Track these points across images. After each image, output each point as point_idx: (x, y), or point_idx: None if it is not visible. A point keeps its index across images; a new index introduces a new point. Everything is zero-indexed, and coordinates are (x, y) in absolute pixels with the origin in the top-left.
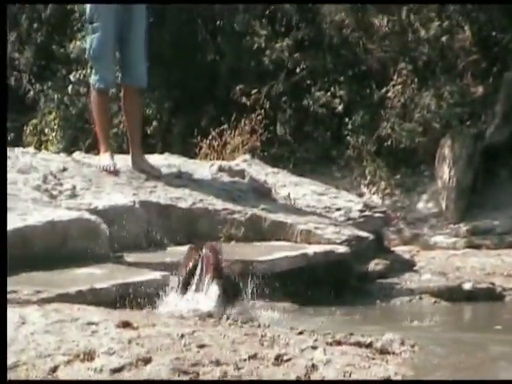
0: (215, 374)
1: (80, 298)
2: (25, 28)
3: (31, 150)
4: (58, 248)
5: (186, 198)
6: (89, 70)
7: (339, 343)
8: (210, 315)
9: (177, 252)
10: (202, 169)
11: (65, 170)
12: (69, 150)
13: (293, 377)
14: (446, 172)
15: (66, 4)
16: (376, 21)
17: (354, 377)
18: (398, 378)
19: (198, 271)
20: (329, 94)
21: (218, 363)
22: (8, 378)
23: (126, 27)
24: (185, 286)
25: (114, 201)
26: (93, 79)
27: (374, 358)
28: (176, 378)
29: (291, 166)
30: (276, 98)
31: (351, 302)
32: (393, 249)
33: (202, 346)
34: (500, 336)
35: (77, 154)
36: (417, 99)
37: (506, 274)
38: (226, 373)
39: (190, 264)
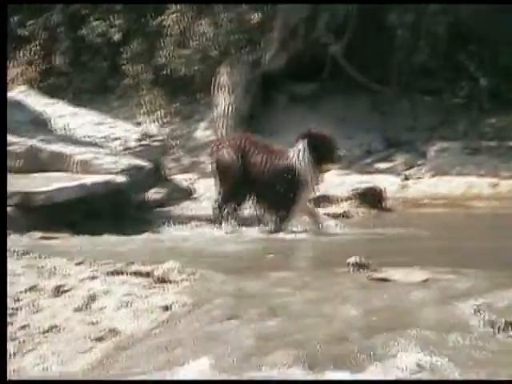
0: None
1: None
2: None
3: None
4: None
5: None
6: None
7: (119, 273)
8: None
9: None
10: None
11: None
12: None
13: (73, 307)
14: (224, 99)
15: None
16: None
17: (135, 306)
18: (178, 306)
19: None
20: (106, 23)
21: None
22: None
23: None
24: None
25: None
26: None
27: (154, 287)
28: None
29: (70, 96)
30: (53, 28)
31: (130, 230)
32: (172, 177)
33: None
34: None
35: None
36: (194, 27)
37: None
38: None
39: None
